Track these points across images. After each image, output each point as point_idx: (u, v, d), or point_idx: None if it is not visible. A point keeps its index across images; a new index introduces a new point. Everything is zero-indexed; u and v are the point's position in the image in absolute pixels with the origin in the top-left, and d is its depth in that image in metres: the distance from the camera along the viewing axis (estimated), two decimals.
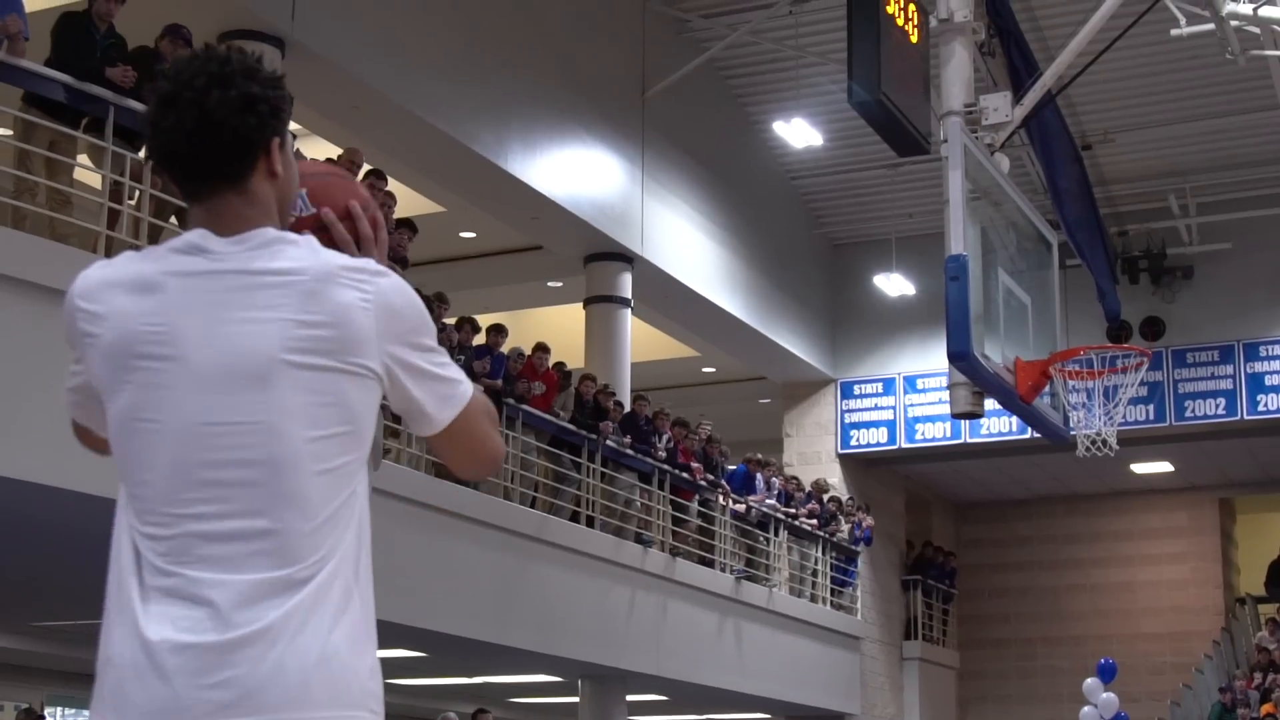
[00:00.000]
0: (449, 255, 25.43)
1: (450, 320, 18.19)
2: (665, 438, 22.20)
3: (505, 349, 18.94)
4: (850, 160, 28.24)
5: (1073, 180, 23.94)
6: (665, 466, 21.84)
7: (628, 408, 22.18)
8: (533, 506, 18.84)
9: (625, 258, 23.86)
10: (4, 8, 12.30)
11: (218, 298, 3.16)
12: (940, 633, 33.31)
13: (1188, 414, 28.47)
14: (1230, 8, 19.96)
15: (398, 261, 15.87)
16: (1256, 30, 20.58)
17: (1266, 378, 28.08)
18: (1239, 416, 28.17)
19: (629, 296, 24.08)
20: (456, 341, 17.83)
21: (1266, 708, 27.82)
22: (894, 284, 28.93)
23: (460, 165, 20.51)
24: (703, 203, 26.01)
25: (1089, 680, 26.36)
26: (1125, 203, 29.15)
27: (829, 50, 24.09)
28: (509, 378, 18.46)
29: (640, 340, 25.87)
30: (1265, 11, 19.89)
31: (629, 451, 20.95)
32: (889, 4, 11.72)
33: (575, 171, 22.39)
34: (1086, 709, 26.18)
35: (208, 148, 3.21)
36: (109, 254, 12.11)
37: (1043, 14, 24.42)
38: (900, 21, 11.91)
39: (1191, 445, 30.08)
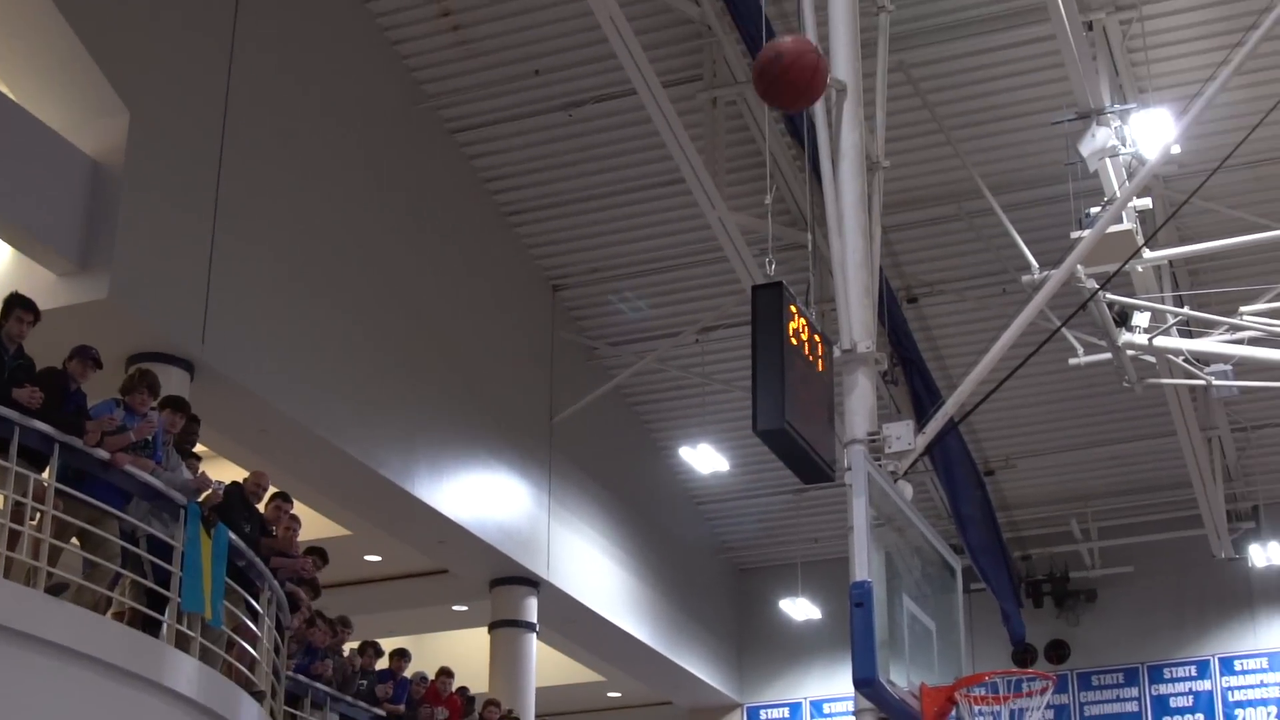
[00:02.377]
0: (354, 578, 25.24)
1: (353, 644, 18.02)
2: None
3: (409, 673, 18.74)
4: (756, 486, 28.45)
5: (975, 506, 24.26)
6: None
7: None
8: None
9: (531, 582, 23.81)
10: None
11: None
12: None
13: None
14: (1126, 338, 20.41)
15: (308, 585, 15.77)
16: (1152, 359, 21.04)
17: (1171, 699, 28.16)
18: None
19: (534, 621, 23.97)
20: (359, 666, 17.65)
21: None
22: (800, 608, 28.95)
23: (367, 490, 20.52)
24: (609, 527, 26.06)
25: None
26: (1028, 527, 29.43)
27: (734, 378, 24.43)
28: (412, 703, 18.25)
29: (545, 664, 25.66)
30: (1160, 341, 20.34)
31: None
32: (792, 336, 11.90)
33: (482, 496, 22.42)
34: None
35: None
36: (8, 576, 11.99)
37: (944, 344, 24.92)
38: (805, 351, 12.09)
39: None
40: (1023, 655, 28.20)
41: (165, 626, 11.31)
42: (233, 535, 12.45)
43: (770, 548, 30.46)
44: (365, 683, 17.62)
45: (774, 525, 29.86)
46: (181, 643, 11.32)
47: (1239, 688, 27.98)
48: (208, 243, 17.32)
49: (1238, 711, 27.83)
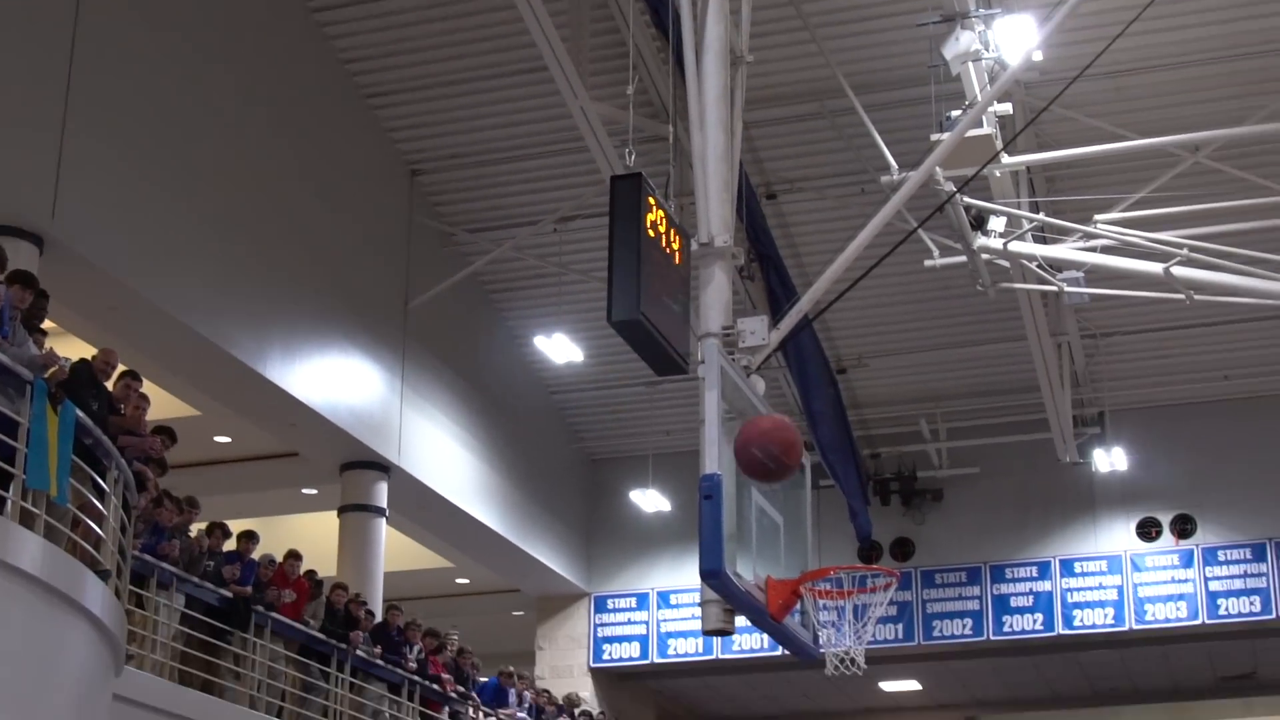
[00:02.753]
0: (203, 459, 25.10)
1: (201, 525, 17.91)
2: (416, 649, 21.95)
3: (256, 555, 18.66)
4: (610, 377, 28.49)
5: (827, 403, 24.42)
6: (415, 678, 21.58)
7: (379, 617, 21.94)
8: (279, 716, 18.46)
9: (382, 467, 23.77)
10: None
11: None
12: None
13: (935, 634, 28.88)
14: (982, 241, 20.59)
15: (155, 464, 15.62)
16: (1006, 264, 21.24)
17: (1012, 599, 28.61)
18: (985, 637, 28.64)
19: (384, 506, 23.94)
20: (207, 547, 17.54)
21: None
22: (650, 500, 29.08)
23: (218, 370, 20.36)
24: (462, 414, 26.02)
25: None
26: (878, 426, 29.70)
27: (591, 268, 24.41)
28: (259, 585, 18.18)
29: (394, 550, 25.66)
30: (1015, 246, 20.54)
31: (379, 662, 20.68)
32: (650, 228, 11.90)
33: (334, 379, 22.31)
34: None
35: None
36: None
37: (801, 241, 25.02)
38: (662, 244, 12.09)
39: (939, 664, 30.46)
40: (868, 552, 28.54)
41: (9, 503, 11.17)
42: (80, 412, 12.29)
43: (622, 439, 30.57)
44: (212, 564, 17.53)
45: (626, 417, 29.96)
46: (26, 520, 11.19)
47: (1078, 589, 28.48)
48: (60, 116, 17.02)
49: (1076, 612, 28.33)
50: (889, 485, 29.62)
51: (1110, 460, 28.14)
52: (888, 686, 32.37)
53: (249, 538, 18.64)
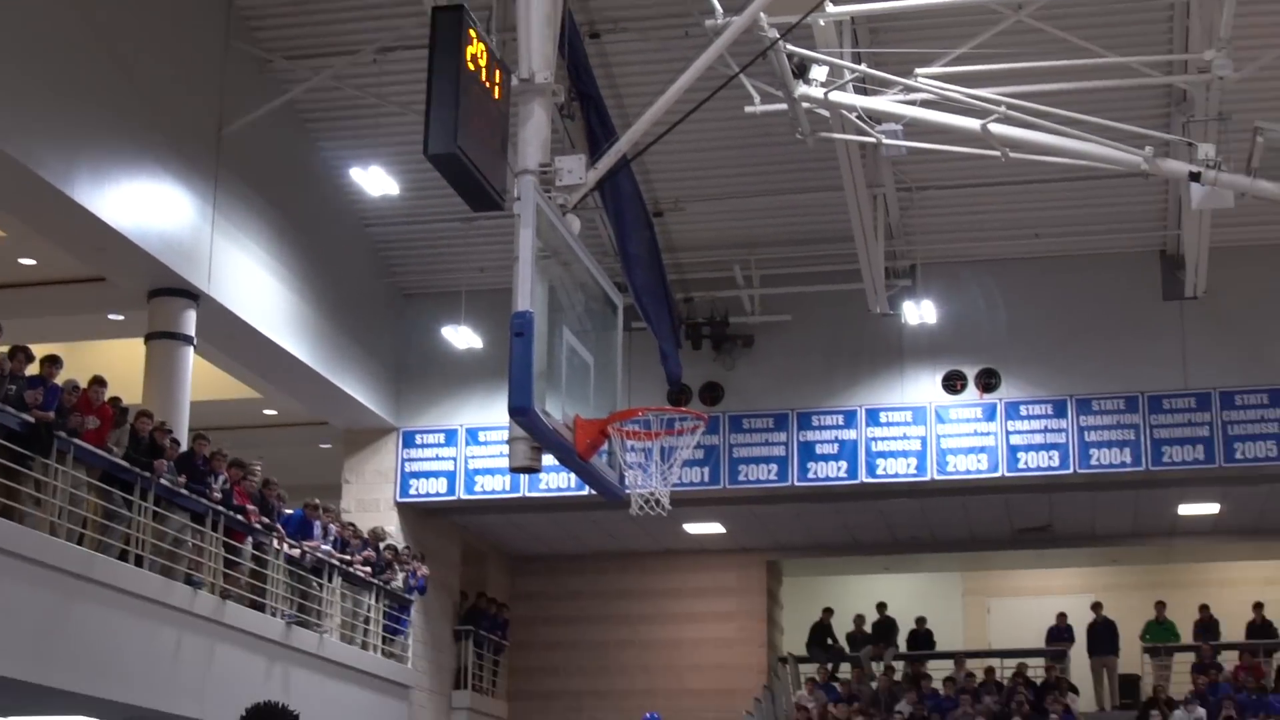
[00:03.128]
0: (6, 281, 24.66)
1: (3, 348, 17.62)
2: (221, 479, 21.85)
3: (60, 380, 18.41)
4: (425, 211, 28.27)
5: (643, 246, 24.37)
6: (220, 508, 21.50)
7: (185, 446, 21.77)
8: (80, 543, 18.32)
9: (191, 294, 23.45)
10: None
11: None
12: (490, 683, 33.36)
13: (740, 478, 29.17)
14: (802, 90, 20.60)
15: None
16: (826, 113, 21.29)
17: (817, 446, 28.95)
18: (789, 483, 28.97)
19: (192, 334, 23.66)
20: (9, 371, 17.26)
21: None
22: (462, 336, 29.01)
23: (24, 190, 19.93)
24: (274, 244, 25.72)
25: None
26: (692, 270, 29.78)
27: (410, 101, 24.13)
28: (62, 410, 17.96)
29: (202, 379, 25.40)
30: (835, 96, 20.58)
31: (183, 491, 20.57)
32: (470, 61, 11.78)
33: (144, 204, 21.93)
34: None
35: None
36: None
37: (623, 81, 24.89)
38: (482, 78, 11.98)
39: (743, 508, 30.81)
40: (678, 395, 28.68)
41: None
42: None
43: (436, 274, 30.39)
44: (14, 388, 17.30)
45: (441, 252, 29.76)
46: None
47: (882, 439, 28.87)
48: None
49: (879, 461, 28.74)
50: (701, 330, 29.74)
51: (919, 313, 28.49)
52: (691, 529, 32.71)
53: (52, 362, 18.41)
